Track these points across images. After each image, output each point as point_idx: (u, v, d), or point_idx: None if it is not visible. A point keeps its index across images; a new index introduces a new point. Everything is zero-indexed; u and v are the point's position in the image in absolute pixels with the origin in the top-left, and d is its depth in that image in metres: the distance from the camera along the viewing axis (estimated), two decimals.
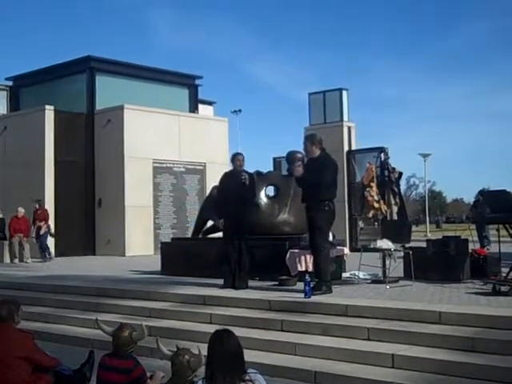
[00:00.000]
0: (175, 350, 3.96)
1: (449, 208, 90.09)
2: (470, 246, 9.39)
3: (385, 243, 8.88)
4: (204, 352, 3.70)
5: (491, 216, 8.99)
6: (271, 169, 18.57)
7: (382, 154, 16.75)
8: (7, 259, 16.72)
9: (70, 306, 9.28)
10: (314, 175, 7.92)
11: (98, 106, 19.98)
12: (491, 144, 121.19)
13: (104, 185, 19.26)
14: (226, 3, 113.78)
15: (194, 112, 22.51)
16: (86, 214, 19.46)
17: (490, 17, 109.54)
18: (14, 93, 23.11)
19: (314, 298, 7.51)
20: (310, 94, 20.31)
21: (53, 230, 17.15)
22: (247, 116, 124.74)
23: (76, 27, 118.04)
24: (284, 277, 9.05)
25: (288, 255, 9.37)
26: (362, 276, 9.35)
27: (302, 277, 8.07)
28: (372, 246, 9.08)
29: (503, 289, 7.50)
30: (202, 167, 20.62)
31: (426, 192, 56.37)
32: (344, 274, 9.65)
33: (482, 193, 15.30)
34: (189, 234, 16.12)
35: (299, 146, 8.55)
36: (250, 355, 4.27)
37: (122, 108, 19.05)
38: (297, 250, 9.35)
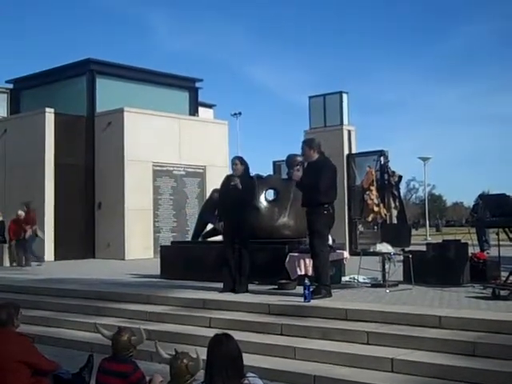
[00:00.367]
0: (174, 353, 3.95)
1: (449, 211, 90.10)
2: (470, 250, 9.38)
3: (384, 247, 8.87)
4: (203, 356, 3.70)
5: (491, 220, 8.99)
6: (271, 172, 18.59)
7: (382, 158, 16.81)
8: (7, 262, 16.71)
9: (69, 310, 9.27)
10: (313, 179, 7.93)
11: (98, 109, 20.01)
12: (491, 147, 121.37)
13: (104, 188, 19.26)
14: (226, 6, 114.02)
15: (194, 115, 22.54)
16: (86, 217, 19.46)
17: (489, 19, 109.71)
18: (15, 95, 23.15)
19: (314, 302, 7.50)
20: (310, 98, 20.34)
21: (39, 233, 16.34)
22: (247, 119, 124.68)
23: (76, 30, 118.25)
24: (283, 280, 9.04)
25: (288, 259, 9.36)
26: (361, 280, 9.34)
27: (302, 281, 8.06)
28: (372, 250, 9.06)
29: (503, 293, 7.49)
30: (201, 170, 20.63)
31: (426, 195, 56.41)
32: (343, 278, 9.64)
33: (481, 197, 15.30)
34: (188, 238, 16.11)
35: (299, 150, 8.55)
36: (249, 359, 4.26)
37: (122, 111, 19.07)
38: (296, 254, 9.34)
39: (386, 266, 8.98)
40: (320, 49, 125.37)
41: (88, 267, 15.52)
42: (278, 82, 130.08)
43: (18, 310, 4.99)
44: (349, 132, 19.21)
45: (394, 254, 8.91)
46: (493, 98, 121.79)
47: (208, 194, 14.23)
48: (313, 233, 8.08)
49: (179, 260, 11.27)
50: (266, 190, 10.82)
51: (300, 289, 7.96)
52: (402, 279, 9.17)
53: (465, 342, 5.83)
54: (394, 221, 15.42)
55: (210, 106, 28.04)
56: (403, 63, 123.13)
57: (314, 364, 6.11)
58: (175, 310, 8.37)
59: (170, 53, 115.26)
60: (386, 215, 15.33)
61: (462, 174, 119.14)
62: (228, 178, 9.21)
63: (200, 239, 12.33)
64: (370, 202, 15.22)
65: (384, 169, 16.52)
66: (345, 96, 19.72)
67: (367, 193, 15.35)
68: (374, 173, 15.86)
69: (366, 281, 9.41)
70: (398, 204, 15.86)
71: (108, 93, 20.24)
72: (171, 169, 19.91)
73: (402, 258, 9.23)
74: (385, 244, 8.91)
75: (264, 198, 10.66)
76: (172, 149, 19.88)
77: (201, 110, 24.28)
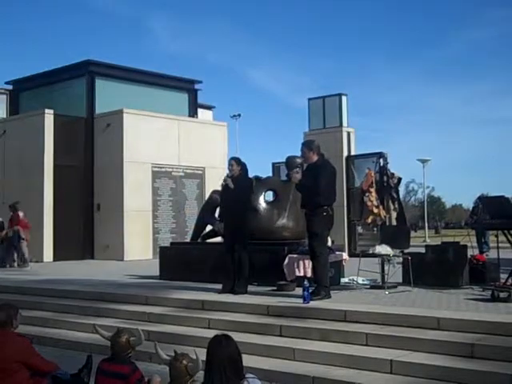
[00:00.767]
0: (173, 354, 3.95)
1: (448, 213, 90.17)
2: (469, 252, 9.38)
3: (383, 248, 8.87)
4: (202, 357, 3.70)
5: (490, 222, 9.00)
6: (270, 174, 18.59)
7: (381, 160, 16.79)
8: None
9: (68, 311, 9.26)
10: (313, 181, 7.94)
11: (98, 110, 19.98)
12: (490, 150, 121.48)
13: (103, 189, 19.24)
14: (225, 9, 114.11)
15: (193, 116, 22.52)
16: (85, 218, 19.43)
17: (490, 22, 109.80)
18: (14, 97, 23.11)
19: (313, 304, 7.50)
20: (309, 100, 20.34)
21: (23, 235, 15.83)
22: (246, 121, 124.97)
23: (76, 32, 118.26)
24: (283, 282, 9.04)
25: (286, 260, 9.36)
26: (360, 281, 9.35)
27: (301, 282, 8.07)
28: (371, 252, 9.07)
29: (502, 295, 7.49)
30: (201, 172, 20.62)
31: (425, 197, 56.46)
32: (343, 280, 9.65)
33: (481, 199, 15.31)
34: (188, 239, 16.11)
35: (299, 152, 8.56)
36: (248, 360, 4.26)
37: (121, 112, 19.05)
38: (295, 255, 9.35)
39: (385, 268, 8.99)
40: (319, 51, 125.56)
41: (87, 268, 15.51)
42: (277, 83, 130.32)
43: (16, 311, 5.00)
44: (348, 134, 19.21)
45: (393, 255, 8.91)
46: (492, 101, 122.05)
47: (207, 196, 14.23)
48: (312, 234, 8.09)
49: (178, 261, 11.27)
50: (265, 192, 10.83)
51: (299, 290, 7.97)
52: (401, 281, 9.18)
53: (463, 343, 5.84)
54: (394, 223, 15.40)
55: (209, 108, 28.02)
56: (403, 65, 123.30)
57: (313, 365, 6.11)
58: (174, 310, 8.36)
59: (170, 54, 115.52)
60: (385, 217, 15.32)
61: (461, 176, 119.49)
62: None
63: (199, 240, 12.34)
64: (369, 203, 15.19)
65: (383, 171, 16.51)
66: (344, 98, 19.71)
67: (366, 195, 15.33)
68: (373, 175, 15.84)
69: (365, 282, 9.41)
70: (397, 206, 15.84)
71: (107, 94, 20.22)
72: (170, 170, 19.89)
73: (401, 259, 9.24)
74: (384, 246, 8.92)
75: (263, 200, 10.66)
76: (171, 150, 19.87)
77: (200, 111, 24.24)
